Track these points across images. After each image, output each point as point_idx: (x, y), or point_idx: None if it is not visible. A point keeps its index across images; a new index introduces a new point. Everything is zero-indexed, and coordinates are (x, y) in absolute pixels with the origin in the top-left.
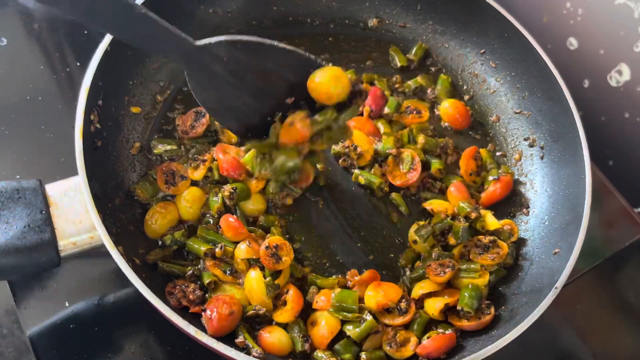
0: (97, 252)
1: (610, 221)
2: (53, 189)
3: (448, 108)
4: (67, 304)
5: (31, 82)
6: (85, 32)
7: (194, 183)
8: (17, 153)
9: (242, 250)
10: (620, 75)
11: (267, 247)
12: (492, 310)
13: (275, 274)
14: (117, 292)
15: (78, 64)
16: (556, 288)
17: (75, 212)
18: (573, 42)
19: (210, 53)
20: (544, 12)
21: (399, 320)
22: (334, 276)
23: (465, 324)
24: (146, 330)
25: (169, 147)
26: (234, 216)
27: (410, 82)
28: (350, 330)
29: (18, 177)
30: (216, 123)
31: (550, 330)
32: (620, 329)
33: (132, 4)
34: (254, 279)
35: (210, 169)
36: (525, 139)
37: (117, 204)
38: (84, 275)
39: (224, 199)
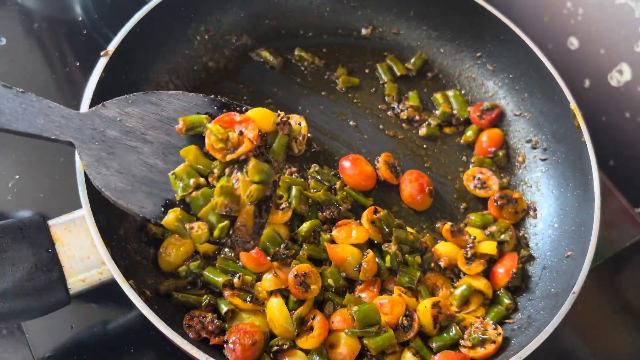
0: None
1: (610, 221)
2: (56, 224)
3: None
4: (72, 327)
5: (31, 82)
6: (85, 31)
7: None
8: (17, 153)
9: (269, 281)
10: (621, 75)
11: (295, 276)
12: (500, 338)
13: (300, 301)
14: (123, 315)
15: (77, 63)
16: (574, 293)
17: (81, 247)
18: (574, 42)
19: (100, 117)
20: (545, 11)
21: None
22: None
23: (474, 354)
24: (153, 355)
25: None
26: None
27: (403, 112)
28: (370, 342)
29: (18, 177)
30: None
31: None
32: (620, 329)
33: (8, 86)
34: (276, 307)
35: None
36: (527, 141)
37: (121, 235)
38: (91, 299)
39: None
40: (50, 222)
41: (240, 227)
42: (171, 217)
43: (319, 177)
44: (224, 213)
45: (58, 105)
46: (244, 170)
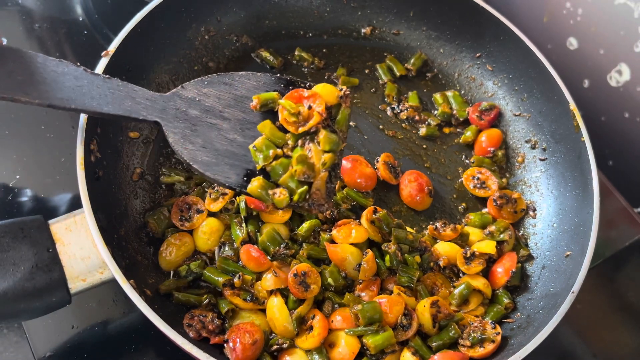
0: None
1: (610, 221)
2: (57, 225)
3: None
4: (73, 327)
5: None
6: (85, 32)
7: (211, 213)
8: (17, 153)
9: (269, 280)
10: (620, 75)
11: (295, 275)
12: (499, 338)
13: (300, 300)
14: (124, 315)
15: (78, 64)
16: (573, 292)
17: (81, 247)
18: (573, 42)
19: (181, 98)
20: (544, 12)
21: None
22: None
23: (473, 353)
24: (154, 354)
25: (177, 178)
26: (255, 247)
27: (403, 113)
28: (369, 341)
29: (18, 177)
30: None
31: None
32: (619, 329)
33: (95, 73)
34: (276, 306)
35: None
36: (526, 141)
37: (122, 235)
38: (91, 299)
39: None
40: (51, 222)
41: (316, 192)
42: (255, 185)
43: None
44: (302, 179)
45: (142, 89)
46: (316, 141)
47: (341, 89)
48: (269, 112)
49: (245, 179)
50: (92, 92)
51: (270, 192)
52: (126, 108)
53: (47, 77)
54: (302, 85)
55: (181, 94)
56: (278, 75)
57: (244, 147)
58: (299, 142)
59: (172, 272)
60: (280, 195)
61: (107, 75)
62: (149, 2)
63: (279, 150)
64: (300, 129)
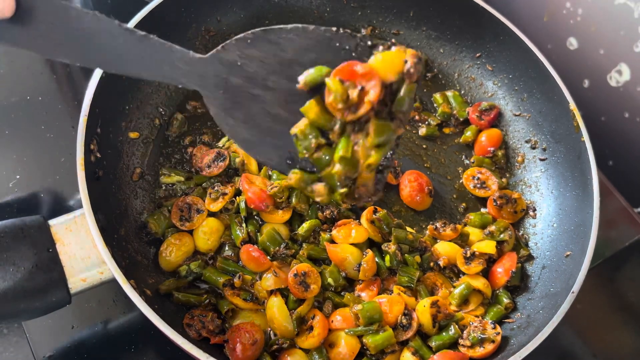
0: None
1: (610, 221)
2: (57, 224)
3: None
4: (73, 327)
5: (31, 82)
6: None
7: (211, 213)
8: (17, 153)
9: (269, 280)
10: (620, 75)
11: (295, 275)
12: (499, 338)
13: (300, 300)
14: (124, 315)
15: (78, 63)
16: (573, 292)
17: (81, 247)
18: (573, 42)
19: (221, 62)
20: (544, 12)
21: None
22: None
23: (473, 353)
24: (154, 354)
25: (177, 179)
26: (255, 246)
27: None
28: (369, 341)
29: (18, 177)
30: (236, 160)
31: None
32: (619, 329)
33: (130, 29)
34: (276, 306)
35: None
36: (526, 141)
37: (122, 235)
38: (91, 299)
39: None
40: (51, 222)
41: (361, 188)
42: (293, 179)
43: None
44: (344, 182)
45: (181, 49)
46: (365, 132)
47: (406, 61)
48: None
49: (289, 162)
50: (130, 54)
51: (309, 188)
52: (165, 73)
53: (83, 34)
54: (361, 42)
55: (222, 57)
56: (335, 29)
57: (288, 124)
58: (348, 128)
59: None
60: (319, 194)
61: (144, 33)
62: (149, 2)
63: (322, 140)
64: (348, 117)
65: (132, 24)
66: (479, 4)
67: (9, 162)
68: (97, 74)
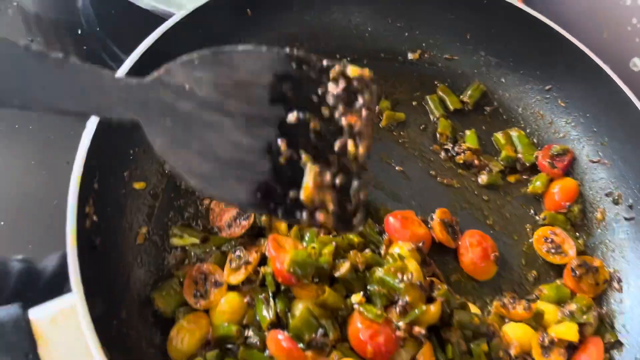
0: None
1: None
2: (40, 317)
3: None
4: None
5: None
6: (84, 47)
7: (231, 286)
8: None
9: None
10: None
11: None
12: None
13: None
14: None
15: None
16: None
17: (69, 348)
18: (637, 63)
19: (167, 86)
20: (604, 27)
21: None
22: None
23: None
24: None
25: (190, 241)
26: (285, 334)
27: (459, 156)
28: None
29: (2, 223)
30: (262, 217)
31: None
32: None
33: (42, 52)
34: None
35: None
36: (607, 194)
37: (123, 318)
38: None
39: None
40: (32, 315)
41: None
42: None
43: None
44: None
45: (110, 73)
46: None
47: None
48: (280, 100)
49: (258, 194)
50: (43, 80)
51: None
52: (95, 103)
53: None
54: (317, 63)
55: (166, 81)
56: (288, 50)
57: (252, 151)
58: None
59: None
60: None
61: (61, 55)
62: (166, 20)
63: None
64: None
65: (144, 45)
66: (552, 26)
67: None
68: (93, 119)
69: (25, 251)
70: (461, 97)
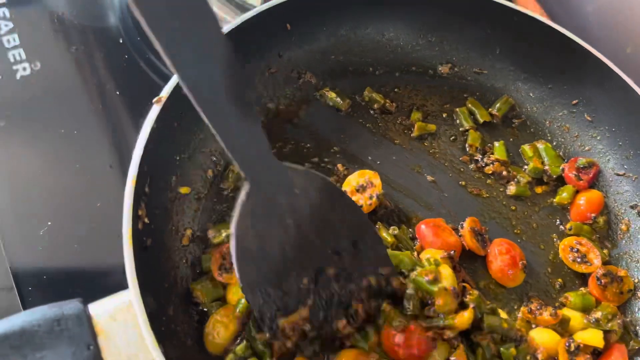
0: None
1: None
2: (99, 312)
3: None
4: None
5: (67, 112)
6: (126, 56)
7: None
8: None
9: None
10: None
11: None
12: None
13: None
14: None
15: (117, 92)
16: None
17: (128, 341)
18: None
19: (287, 177)
20: (628, 41)
21: None
22: None
23: None
24: None
25: (227, 232)
26: None
27: (488, 167)
28: None
29: (50, 223)
30: None
31: None
32: None
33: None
34: None
35: None
36: (632, 207)
37: (171, 315)
38: None
39: None
40: (92, 310)
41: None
42: None
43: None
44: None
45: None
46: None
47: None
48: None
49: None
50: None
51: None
52: (245, 155)
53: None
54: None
55: (292, 175)
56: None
57: (291, 268)
58: None
59: None
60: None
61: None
62: None
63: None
64: None
65: None
66: (579, 42)
67: (40, 206)
68: (149, 122)
69: (71, 250)
70: (490, 109)
